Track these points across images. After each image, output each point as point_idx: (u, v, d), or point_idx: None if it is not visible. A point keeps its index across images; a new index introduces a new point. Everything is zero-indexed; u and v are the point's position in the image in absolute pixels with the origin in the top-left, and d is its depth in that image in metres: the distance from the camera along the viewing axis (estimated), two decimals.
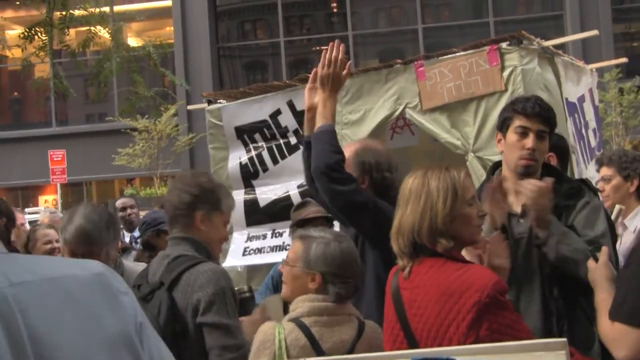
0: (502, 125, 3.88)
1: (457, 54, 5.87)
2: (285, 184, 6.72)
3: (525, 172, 3.75)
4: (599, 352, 3.55)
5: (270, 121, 6.79)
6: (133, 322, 1.43)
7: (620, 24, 27.59)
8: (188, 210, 3.66)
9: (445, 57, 5.94)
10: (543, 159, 3.87)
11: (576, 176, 5.67)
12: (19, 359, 1.22)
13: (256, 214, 6.88)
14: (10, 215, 5.58)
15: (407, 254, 3.00)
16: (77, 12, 8.37)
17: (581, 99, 6.89)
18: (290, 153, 6.73)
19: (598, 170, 5.69)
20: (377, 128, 6.19)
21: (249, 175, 6.94)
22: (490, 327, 2.79)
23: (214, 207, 3.73)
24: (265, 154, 6.86)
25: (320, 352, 3.20)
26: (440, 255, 2.97)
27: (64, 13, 7.95)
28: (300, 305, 3.32)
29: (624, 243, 5.18)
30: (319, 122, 4.13)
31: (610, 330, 2.71)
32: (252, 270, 7.01)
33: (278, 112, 6.73)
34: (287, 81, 6.91)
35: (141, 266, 4.64)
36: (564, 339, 2.54)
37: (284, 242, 6.57)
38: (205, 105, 7.41)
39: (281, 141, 6.77)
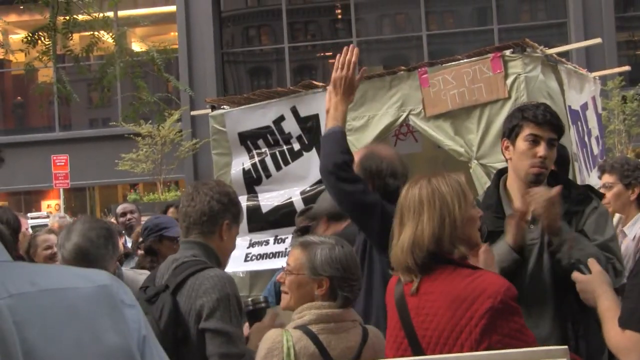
0: (511, 133, 3.85)
1: (461, 61, 5.87)
2: (288, 190, 6.71)
3: (536, 180, 3.74)
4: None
5: (273, 127, 6.79)
6: (136, 336, 1.41)
7: (623, 32, 27.62)
8: (215, 218, 3.68)
9: (448, 64, 5.93)
10: (551, 167, 3.86)
11: (579, 183, 5.66)
12: None
13: (259, 220, 6.87)
14: (12, 224, 5.58)
15: (421, 266, 2.95)
16: (80, 17, 8.37)
17: (584, 107, 6.88)
18: (293, 159, 6.72)
19: (600, 178, 5.69)
20: (381, 135, 6.18)
21: (252, 181, 6.93)
22: (502, 332, 2.80)
23: (235, 219, 3.78)
24: (269, 160, 6.85)
25: (328, 359, 3.20)
26: (451, 262, 2.96)
27: (67, 18, 7.94)
28: (307, 313, 3.30)
29: (623, 250, 5.18)
30: (329, 124, 4.16)
31: (621, 339, 2.68)
32: (254, 276, 7.00)
33: (282, 118, 6.72)
34: (291, 87, 6.91)
35: (142, 274, 4.63)
36: (565, 347, 2.53)
37: (286, 249, 6.55)
38: (208, 110, 7.41)
39: (284, 147, 6.76)
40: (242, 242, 6.94)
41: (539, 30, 27.29)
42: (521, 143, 3.78)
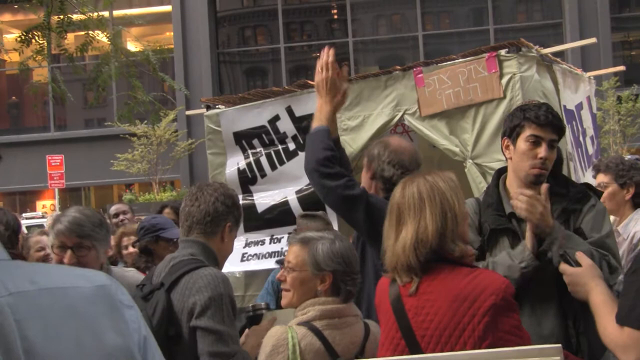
0: (512, 132, 3.84)
1: (456, 60, 5.87)
2: (283, 189, 6.70)
3: (536, 181, 3.74)
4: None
5: (268, 127, 6.78)
6: (136, 337, 1.40)
7: (618, 32, 27.67)
8: (219, 219, 3.72)
9: (444, 64, 5.93)
10: (551, 168, 3.85)
11: None
12: None
13: (254, 220, 6.86)
14: (11, 224, 5.58)
15: (423, 264, 2.95)
16: (75, 16, 8.36)
17: (579, 107, 6.89)
18: (288, 159, 6.71)
19: (595, 177, 5.70)
20: (376, 134, 6.18)
21: (247, 180, 6.92)
22: (504, 329, 2.83)
23: (237, 223, 3.83)
24: (264, 160, 6.84)
25: (334, 355, 3.21)
26: (449, 261, 2.97)
27: (62, 17, 7.93)
28: (311, 309, 3.31)
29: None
30: (313, 125, 4.22)
31: (619, 335, 2.68)
32: (250, 276, 6.99)
33: (277, 117, 6.71)
34: (285, 87, 6.90)
35: (130, 272, 4.64)
36: (559, 345, 2.53)
37: (282, 248, 6.55)
38: (203, 110, 7.40)
39: (280, 147, 6.75)
40: (238, 242, 6.89)
41: (535, 30, 27.33)
42: (522, 143, 3.77)
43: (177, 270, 3.55)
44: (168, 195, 23.80)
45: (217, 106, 7.29)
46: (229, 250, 3.86)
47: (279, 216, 6.64)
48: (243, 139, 6.94)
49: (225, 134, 7.03)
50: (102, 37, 9.32)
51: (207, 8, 28.51)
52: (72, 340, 1.29)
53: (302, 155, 6.53)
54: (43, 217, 20.43)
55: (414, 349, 2.90)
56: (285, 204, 6.62)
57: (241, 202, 6.78)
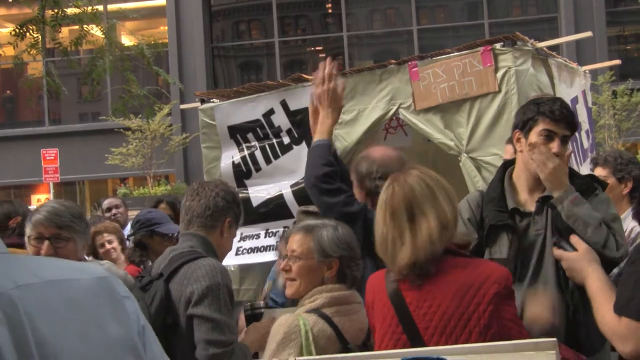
0: (524, 125, 3.82)
1: (451, 54, 5.86)
2: (278, 183, 6.69)
3: None
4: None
5: (263, 121, 6.76)
6: (136, 327, 1.41)
7: (614, 27, 27.68)
8: (219, 213, 3.77)
9: (439, 57, 5.92)
10: (564, 162, 3.81)
11: None
12: None
13: (249, 214, 6.84)
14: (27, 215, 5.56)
15: (433, 260, 2.96)
16: (69, 10, 8.35)
17: (574, 101, 6.88)
18: (283, 153, 6.70)
19: (592, 170, 5.69)
20: (371, 128, 6.17)
21: (242, 174, 6.91)
22: (506, 316, 2.89)
23: (236, 219, 3.89)
24: (258, 154, 6.83)
25: (344, 341, 3.22)
26: (448, 252, 3.02)
27: (56, 11, 7.92)
28: (319, 296, 3.31)
29: None
30: (315, 138, 4.27)
31: (617, 325, 2.70)
32: (244, 269, 6.98)
33: (271, 111, 6.70)
34: (280, 81, 6.89)
35: (106, 265, 4.61)
36: (554, 339, 2.53)
37: (277, 242, 6.55)
38: (198, 104, 7.38)
39: (274, 141, 6.73)
40: None
41: (530, 25, 27.31)
42: (535, 137, 3.75)
43: (176, 261, 3.59)
44: (162, 189, 23.76)
45: (211, 100, 7.28)
46: (228, 246, 3.91)
47: (274, 210, 6.63)
48: (238, 133, 6.93)
49: (219, 128, 7.02)
50: (96, 31, 9.32)
51: (201, 2, 28.44)
52: (78, 332, 1.30)
53: (296, 149, 6.53)
54: None
55: (416, 342, 2.91)
56: (280, 198, 6.61)
57: None
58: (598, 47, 24.04)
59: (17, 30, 7.88)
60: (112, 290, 1.41)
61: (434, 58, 5.95)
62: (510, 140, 4.63)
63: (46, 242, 3.77)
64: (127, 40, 16.56)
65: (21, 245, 4.46)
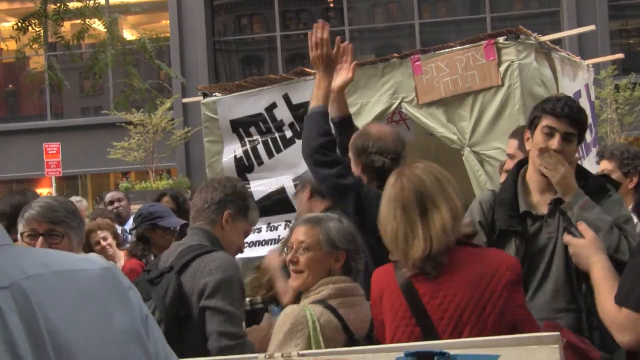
0: (531, 124, 3.83)
1: (454, 48, 5.86)
2: (280, 177, 6.70)
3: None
4: None
5: (265, 114, 6.77)
6: (139, 316, 1.41)
7: (616, 20, 27.61)
8: (217, 207, 3.79)
9: (442, 51, 5.92)
10: (571, 162, 3.78)
11: None
12: (38, 352, 1.20)
13: None
14: None
15: (447, 251, 2.98)
16: (71, 4, 8.34)
17: (577, 95, 6.88)
18: (285, 147, 6.71)
19: (598, 163, 5.67)
20: (373, 122, 6.17)
21: (244, 168, 6.92)
22: (517, 303, 2.96)
23: (241, 212, 3.87)
24: (261, 148, 6.83)
25: (349, 333, 3.22)
26: (460, 243, 3.06)
27: (58, 5, 7.92)
28: (324, 288, 3.30)
29: None
30: (311, 104, 4.22)
31: (616, 315, 2.72)
32: (246, 263, 6.98)
33: (274, 105, 6.70)
34: (282, 74, 6.89)
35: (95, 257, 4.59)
36: (557, 333, 2.53)
37: (279, 236, 6.56)
38: (200, 98, 7.38)
39: (276, 135, 6.74)
40: None
41: (532, 19, 27.23)
42: (538, 135, 3.76)
43: (187, 254, 3.61)
44: (164, 183, 23.74)
45: (213, 94, 7.28)
46: (234, 239, 3.90)
47: (275, 204, 6.64)
48: (240, 127, 6.93)
49: (222, 122, 7.02)
50: (98, 25, 9.31)
51: None
52: (88, 322, 1.30)
53: (299, 143, 6.53)
54: None
55: (430, 333, 2.92)
56: (282, 192, 6.62)
57: None
58: (600, 41, 23.98)
59: (20, 24, 7.87)
60: (117, 281, 1.41)
61: (436, 52, 5.95)
62: (513, 135, 4.64)
63: (40, 239, 3.63)
64: (129, 34, 16.53)
65: None
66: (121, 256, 6.04)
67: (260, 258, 6.59)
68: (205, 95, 7.32)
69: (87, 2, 8.54)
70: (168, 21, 28.61)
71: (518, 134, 4.48)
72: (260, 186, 6.81)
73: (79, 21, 8.88)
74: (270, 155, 6.77)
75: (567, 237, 3.30)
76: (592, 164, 5.87)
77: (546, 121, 3.72)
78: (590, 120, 7.41)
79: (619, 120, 22.78)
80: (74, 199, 9.28)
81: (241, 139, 6.94)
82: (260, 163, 6.82)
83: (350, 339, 3.19)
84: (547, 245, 3.73)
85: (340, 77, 4.32)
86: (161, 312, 3.42)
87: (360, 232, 3.84)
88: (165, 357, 1.43)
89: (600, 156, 5.65)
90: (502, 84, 5.59)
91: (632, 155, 5.47)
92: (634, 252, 2.83)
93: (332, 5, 30.26)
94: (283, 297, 4.23)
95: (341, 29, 27.97)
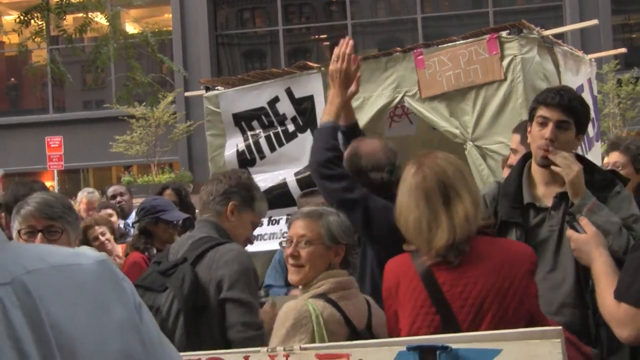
0: (530, 117, 3.85)
1: (457, 42, 5.85)
2: (282, 171, 6.69)
3: (544, 164, 3.71)
4: None
5: (268, 108, 6.77)
6: (133, 305, 1.42)
7: (619, 15, 27.58)
8: (222, 198, 3.81)
9: (444, 45, 5.91)
10: (569, 150, 3.76)
11: None
12: (42, 347, 1.21)
13: None
14: None
15: (469, 240, 3.01)
16: None
17: (580, 89, 6.87)
18: (287, 141, 6.70)
19: (607, 154, 5.62)
20: (376, 116, 6.17)
21: (246, 162, 6.91)
22: (532, 292, 3.01)
23: (247, 204, 3.88)
24: (263, 142, 6.83)
25: (350, 326, 3.22)
26: (480, 232, 3.09)
27: None
28: (324, 282, 3.30)
29: None
30: (322, 119, 4.27)
31: (616, 310, 2.74)
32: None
33: (276, 99, 6.70)
34: (285, 68, 6.88)
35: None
36: (560, 327, 2.53)
37: (280, 230, 6.55)
38: (203, 92, 7.38)
39: (279, 129, 6.74)
40: None
41: (535, 13, 27.21)
42: (534, 126, 3.78)
43: (200, 246, 3.63)
44: (166, 177, 23.79)
45: (216, 88, 7.28)
46: (241, 230, 3.91)
47: (277, 198, 6.63)
48: (242, 121, 6.93)
49: (224, 116, 7.02)
50: (100, 18, 9.31)
51: None
52: (88, 315, 1.30)
53: (301, 137, 6.53)
54: None
55: (449, 322, 2.93)
56: (284, 186, 6.61)
57: None
58: (603, 35, 23.97)
59: (22, 17, 7.87)
60: (112, 273, 1.42)
61: (439, 46, 5.94)
62: (516, 129, 4.63)
63: (39, 235, 3.55)
64: (131, 28, 16.53)
65: None
66: (119, 250, 6.04)
67: (262, 252, 6.62)
68: (207, 89, 7.32)
69: None
70: (170, 15, 28.62)
71: (521, 128, 4.47)
72: (262, 180, 6.80)
73: (81, 14, 8.88)
74: (272, 149, 6.77)
75: (569, 232, 3.30)
76: (595, 158, 5.85)
77: (540, 111, 3.74)
78: (592, 115, 7.41)
79: (621, 114, 22.80)
80: (85, 190, 9.28)
81: (243, 132, 6.94)
82: (263, 157, 6.82)
83: (353, 332, 3.20)
84: (548, 238, 3.72)
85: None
86: (180, 302, 3.45)
87: (369, 245, 3.87)
88: (160, 343, 1.44)
89: (614, 148, 5.58)
90: (505, 78, 5.58)
91: None
92: (634, 247, 2.84)
93: None
94: None
95: (344, 23, 27.98)
